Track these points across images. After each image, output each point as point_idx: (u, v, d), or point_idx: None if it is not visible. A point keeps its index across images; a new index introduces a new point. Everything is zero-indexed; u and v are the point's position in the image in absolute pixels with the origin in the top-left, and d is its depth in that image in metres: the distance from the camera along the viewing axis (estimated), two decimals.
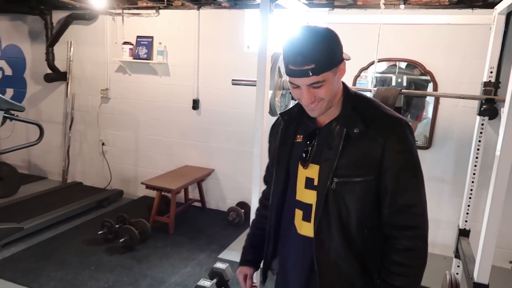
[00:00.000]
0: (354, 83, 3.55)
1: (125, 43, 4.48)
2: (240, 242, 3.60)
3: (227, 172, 4.40)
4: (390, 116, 1.17)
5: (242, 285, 1.44)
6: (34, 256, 3.20)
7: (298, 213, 1.24)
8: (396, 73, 3.63)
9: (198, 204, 4.47)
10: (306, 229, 1.23)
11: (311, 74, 1.07)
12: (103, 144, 4.89)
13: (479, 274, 1.76)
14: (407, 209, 1.15)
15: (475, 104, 2.59)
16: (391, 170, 1.13)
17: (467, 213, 2.42)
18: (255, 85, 2.35)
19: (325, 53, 1.08)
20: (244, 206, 4.14)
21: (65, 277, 2.92)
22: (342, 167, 1.14)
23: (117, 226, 3.54)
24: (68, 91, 4.91)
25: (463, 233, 2.42)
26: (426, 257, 1.17)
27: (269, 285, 1.45)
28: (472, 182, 2.39)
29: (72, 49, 4.84)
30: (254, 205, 2.19)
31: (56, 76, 4.86)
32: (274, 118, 2.62)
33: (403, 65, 3.59)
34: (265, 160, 2.10)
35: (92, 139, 4.98)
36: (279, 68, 2.67)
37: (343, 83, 1.21)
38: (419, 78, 3.55)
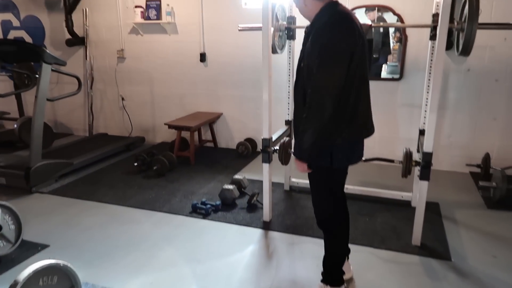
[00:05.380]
0: None
1: (136, 6, 5.09)
2: (250, 168, 4.42)
3: (233, 115, 5.14)
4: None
5: None
6: (87, 183, 3.98)
7: None
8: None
9: (210, 144, 5.24)
10: None
11: None
12: (122, 99, 5.58)
13: (426, 146, 2.55)
14: None
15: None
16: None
17: (424, 117, 3.20)
18: (259, 30, 3.04)
19: None
20: (251, 141, 4.92)
21: (117, 193, 3.71)
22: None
23: (149, 159, 4.31)
24: (87, 54, 5.54)
25: (422, 133, 3.22)
26: (317, 107, 1.75)
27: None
28: (427, 92, 3.16)
29: (87, 15, 5.43)
30: (265, 123, 2.94)
31: (76, 40, 5.48)
32: (276, 56, 3.33)
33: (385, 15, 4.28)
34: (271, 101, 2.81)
35: (112, 95, 5.66)
36: (276, 15, 3.36)
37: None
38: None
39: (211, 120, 5.02)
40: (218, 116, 5.14)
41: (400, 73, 4.24)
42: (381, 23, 4.02)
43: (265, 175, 3.03)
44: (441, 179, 4.04)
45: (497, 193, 3.43)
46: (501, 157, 4.11)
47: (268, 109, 2.94)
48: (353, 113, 1.86)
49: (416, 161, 2.61)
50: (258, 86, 4.88)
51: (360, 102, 1.88)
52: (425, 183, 2.62)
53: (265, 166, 3.01)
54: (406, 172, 2.61)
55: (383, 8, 4.14)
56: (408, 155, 2.61)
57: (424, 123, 3.23)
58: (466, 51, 2.74)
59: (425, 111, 3.20)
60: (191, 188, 3.83)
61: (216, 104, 5.19)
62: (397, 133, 4.44)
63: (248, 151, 4.82)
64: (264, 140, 2.97)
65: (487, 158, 4.00)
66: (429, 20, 3.88)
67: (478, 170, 4.12)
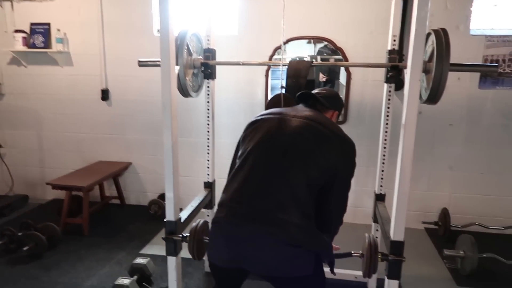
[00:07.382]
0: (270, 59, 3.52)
1: (17, 31, 3.99)
2: (163, 235, 3.42)
3: (145, 164, 4.15)
4: None
5: None
6: None
7: None
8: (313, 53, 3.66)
9: (116, 201, 4.16)
10: None
11: None
12: (0, 146, 4.33)
13: (395, 232, 1.80)
14: None
15: (384, 77, 2.67)
16: None
17: (382, 178, 2.49)
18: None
19: None
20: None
21: None
22: None
23: (19, 233, 3.14)
24: None
25: (379, 198, 2.50)
26: None
27: None
28: (384, 148, 2.47)
29: None
30: (169, 199, 2.04)
31: None
32: (186, 100, 2.50)
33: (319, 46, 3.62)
34: (178, 147, 1.96)
35: None
36: (188, 46, 2.53)
37: None
38: (332, 57, 3.61)
39: (116, 173, 3.98)
40: (126, 166, 4.11)
41: (344, 116, 3.58)
42: (325, 62, 3.37)
43: (171, 275, 2.07)
44: None
45: (467, 264, 2.79)
46: (460, 211, 3.56)
47: (172, 171, 2.04)
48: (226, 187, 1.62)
49: (383, 254, 1.84)
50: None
51: (235, 175, 1.60)
52: (395, 283, 1.86)
53: (171, 260, 2.07)
54: (371, 272, 1.83)
55: (322, 40, 3.50)
56: (372, 247, 1.82)
57: (381, 186, 2.52)
58: (434, 98, 2.09)
59: (382, 170, 2.50)
60: (75, 279, 2.73)
61: (124, 152, 4.16)
62: None
63: (163, 210, 3.82)
64: (168, 223, 2.04)
65: (445, 214, 3.42)
66: (374, 54, 3.32)
67: (435, 226, 3.54)
